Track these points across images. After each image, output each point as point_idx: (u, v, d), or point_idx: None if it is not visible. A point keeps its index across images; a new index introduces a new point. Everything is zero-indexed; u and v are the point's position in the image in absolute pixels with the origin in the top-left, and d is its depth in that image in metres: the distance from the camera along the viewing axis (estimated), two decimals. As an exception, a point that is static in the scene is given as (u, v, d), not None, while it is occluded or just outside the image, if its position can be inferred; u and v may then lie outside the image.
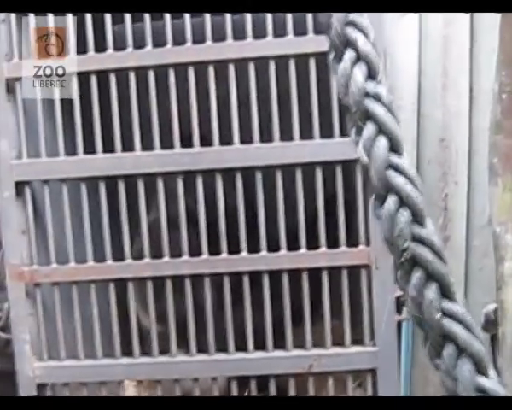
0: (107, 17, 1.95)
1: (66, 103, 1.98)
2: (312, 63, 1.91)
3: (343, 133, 1.90)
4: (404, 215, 0.99)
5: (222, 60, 1.93)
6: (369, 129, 0.97)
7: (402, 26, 2.67)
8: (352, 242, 1.95)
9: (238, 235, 1.97)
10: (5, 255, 2.01)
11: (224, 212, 1.97)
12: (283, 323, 1.98)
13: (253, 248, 1.96)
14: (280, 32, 1.92)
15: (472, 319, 0.97)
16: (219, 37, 1.93)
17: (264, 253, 1.96)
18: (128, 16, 1.94)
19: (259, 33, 1.93)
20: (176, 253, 1.98)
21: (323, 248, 1.94)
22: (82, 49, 1.97)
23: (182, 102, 1.96)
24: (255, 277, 1.97)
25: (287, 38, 1.91)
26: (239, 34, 1.94)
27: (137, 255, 1.99)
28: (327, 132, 1.93)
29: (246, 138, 1.95)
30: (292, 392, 1.97)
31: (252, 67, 1.93)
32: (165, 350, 2.01)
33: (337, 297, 1.97)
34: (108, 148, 1.98)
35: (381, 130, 0.95)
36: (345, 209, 1.95)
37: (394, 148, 0.94)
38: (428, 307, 0.98)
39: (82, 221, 2.01)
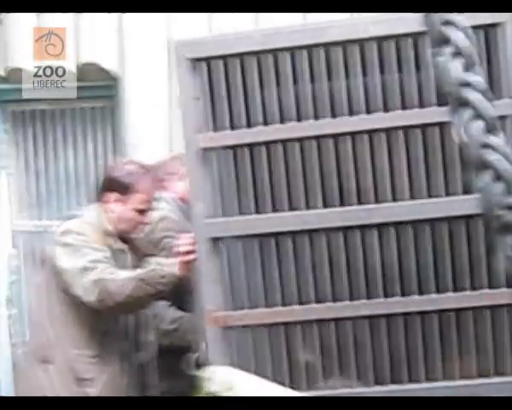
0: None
1: (249, 171, 2.28)
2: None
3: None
4: (499, 188, 1.11)
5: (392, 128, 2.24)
6: (468, 113, 1.13)
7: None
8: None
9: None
10: (203, 302, 2.29)
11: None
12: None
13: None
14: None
15: None
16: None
17: (434, 295, 2.25)
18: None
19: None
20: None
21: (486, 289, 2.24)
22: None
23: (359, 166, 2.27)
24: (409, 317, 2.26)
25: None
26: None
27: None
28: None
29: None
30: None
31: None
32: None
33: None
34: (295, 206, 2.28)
35: (478, 114, 1.11)
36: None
37: (490, 129, 1.09)
38: None
39: (269, 271, 2.29)
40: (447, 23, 1.13)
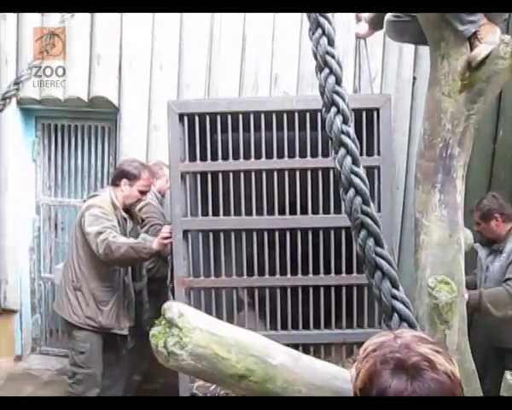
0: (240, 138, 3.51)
1: (215, 187, 3.52)
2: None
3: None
4: (358, 200, 1.72)
5: (302, 168, 3.50)
6: (342, 152, 1.72)
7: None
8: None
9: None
10: (174, 271, 3.54)
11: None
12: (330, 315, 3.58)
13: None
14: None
15: (391, 257, 1.70)
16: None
17: (322, 275, 3.54)
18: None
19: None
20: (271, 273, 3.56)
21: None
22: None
23: (280, 191, 3.53)
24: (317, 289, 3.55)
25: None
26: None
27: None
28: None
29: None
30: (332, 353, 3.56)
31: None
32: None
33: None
34: (237, 213, 3.54)
35: (348, 152, 1.69)
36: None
37: (355, 162, 1.71)
38: (368, 250, 1.74)
39: (219, 254, 3.57)
40: (335, 93, 1.76)
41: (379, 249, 1.77)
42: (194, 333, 2.12)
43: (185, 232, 3.55)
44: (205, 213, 3.58)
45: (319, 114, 3.39)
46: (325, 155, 3.45)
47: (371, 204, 1.77)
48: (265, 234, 3.56)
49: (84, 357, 3.91)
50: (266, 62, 4.69)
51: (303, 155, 3.53)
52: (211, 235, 3.57)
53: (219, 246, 3.58)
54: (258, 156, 3.53)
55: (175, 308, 2.19)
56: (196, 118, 3.52)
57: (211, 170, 3.54)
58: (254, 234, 3.56)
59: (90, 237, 3.72)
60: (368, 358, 1.25)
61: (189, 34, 4.66)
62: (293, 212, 3.57)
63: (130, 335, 4.03)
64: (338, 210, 3.45)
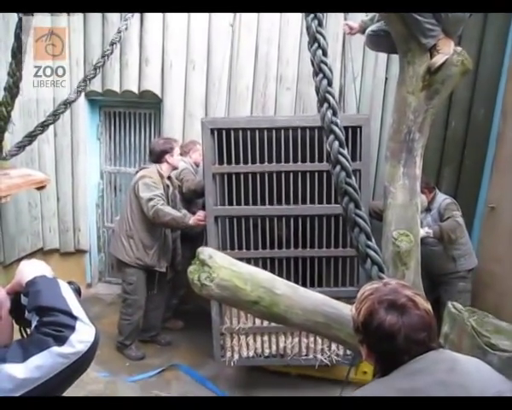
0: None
1: (238, 184, 4.67)
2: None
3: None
4: (343, 174, 2.22)
5: (303, 170, 4.62)
6: (331, 137, 2.25)
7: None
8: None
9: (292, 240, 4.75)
10: (208, 245, 4.74)
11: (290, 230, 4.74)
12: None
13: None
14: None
15: (366, 216, 2.19)
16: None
17: (309, 249, 4.75)
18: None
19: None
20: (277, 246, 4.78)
21: (332, 248, 4.74)
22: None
23: (286, 187, 4.66)
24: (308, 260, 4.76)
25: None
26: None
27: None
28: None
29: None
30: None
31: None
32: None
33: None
34: (254, 203, 4.69)
35: (336, 137, 2.19)
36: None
37: (341, 145, 2.22)
38: (349, 212, 2.22)
39: (240, 233, 4.77)
40: (326, 92, 2.27)
41: (358, 211, 2.13)
42: (220, 270, 2.73)
43: (216, 217, 4.66)
44: (230, 203, 4.66)
45: (316, 130, 4.37)
46: (320, 161, 4.51)
47: (353, 177, 2.16)
48: (275, 219, 4.72)
49: (132, 287, 5.23)
50: (273, 65, 5.78)
51: (303, 160, 4.53)
52: (234, 219, 4.72)
53: (241, 227, 4.73)
54: (269, 161, 4.55)
55: (206, 252, 2.84)
56: (223, 132, 4.52)
57: (234, 171, 4.60)
58: (267, 219, 4.70)
59: (142, 201, 4.92)
60: (366, 300, 1.45)
61: (215, 42, 5.74)
62: (295, 202, 4.60)
63: (167, 272, 5.38)
64: (328, 202, 4.54)
